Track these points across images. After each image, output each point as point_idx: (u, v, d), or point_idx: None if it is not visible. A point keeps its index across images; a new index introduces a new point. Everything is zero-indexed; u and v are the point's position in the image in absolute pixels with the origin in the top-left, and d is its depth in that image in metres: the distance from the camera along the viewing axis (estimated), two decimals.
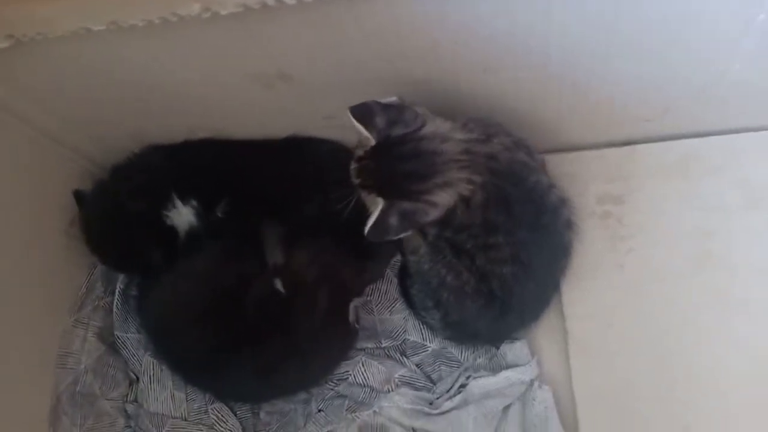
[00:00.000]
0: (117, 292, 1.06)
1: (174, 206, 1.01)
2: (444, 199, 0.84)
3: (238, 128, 1.04)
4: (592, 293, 0.99)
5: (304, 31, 0.80)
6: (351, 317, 0.95)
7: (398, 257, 1.07)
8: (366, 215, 0.88)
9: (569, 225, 0.94)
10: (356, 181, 0.87)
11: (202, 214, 1.02)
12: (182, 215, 1.02)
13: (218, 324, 0.94)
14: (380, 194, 0.84)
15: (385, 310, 1.05)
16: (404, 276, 1.05)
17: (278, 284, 0.94)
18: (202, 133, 1.04)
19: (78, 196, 1.05)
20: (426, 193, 0.84)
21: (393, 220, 0.83)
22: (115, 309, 1.05)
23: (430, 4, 0.76)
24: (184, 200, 1.01)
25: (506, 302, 0.92)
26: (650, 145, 1.04)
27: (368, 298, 1.05)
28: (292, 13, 0.73)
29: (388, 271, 1.07)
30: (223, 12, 0.72)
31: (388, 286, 1.07)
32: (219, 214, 1.02)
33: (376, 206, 0.83)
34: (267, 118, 1.01)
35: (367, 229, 0.83)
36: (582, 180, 1.03)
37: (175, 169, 1.02)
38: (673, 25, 0.79)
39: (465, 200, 0.85)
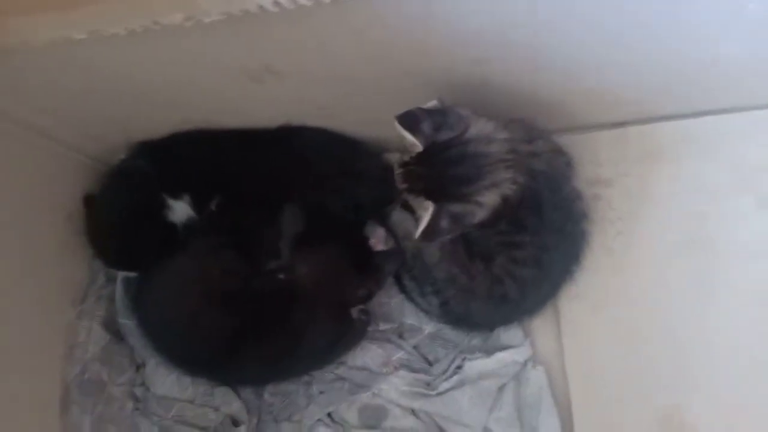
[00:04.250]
0: (119, 280, 1.08)
1: (166, 205, 1.03)
2: (491, 199, 0.86)
3: (231, 120, 1.04)
4: (582, 274, 1.00)
5: (290, 31, 0.80)
6: (355, 314, 0.97)
7: (392, 241, 1.09)
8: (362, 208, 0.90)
9: (585, 236, 0.97)
10: (403, 185, 0.88)
11: (197, 207, 1.03)
12: (177, 211, 1.03)
13: (216, 318, 0.96)
14: (429, 198, 0.85)
15: (383, 293, 1.07)
16: None
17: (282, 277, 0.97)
18: (194, 124, 1.04)
19: (88, 200, 1.07)
20: (474, 195, 0.85)
21: (444, 223, 0.84)
22: (117, 296, 1.07)
23: (415, 2, 0.76)
24: (177, 196, 1.03)
25: (519, 304, 0.96)
26: (640, 127, 1.05)
27: None
28: (276, 16, 0.72)
29: None
30: (207, 20, 0.72)
31: None
32: (213, 208, 1.03)
33: (425, 210, 0.84)
34: (259, 109, 1.01)
35: (418, 232, 0.85)
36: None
37: (165, 166, 1.03)
38: (661, 12, 0.78)
39: (505, 199, 0.87)
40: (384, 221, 1.11)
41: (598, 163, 1.05)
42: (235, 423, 1.03)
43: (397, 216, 1.09)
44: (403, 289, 1.07)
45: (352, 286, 0.99)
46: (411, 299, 1.06)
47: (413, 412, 1.01)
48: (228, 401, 1.04)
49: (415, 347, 1.05)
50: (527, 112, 0.97)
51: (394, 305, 1.07)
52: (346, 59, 0.87)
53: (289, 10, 0.71)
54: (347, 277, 0.99)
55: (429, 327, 1.05)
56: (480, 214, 0.86)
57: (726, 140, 1.01)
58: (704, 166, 1.01)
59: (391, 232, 1.10)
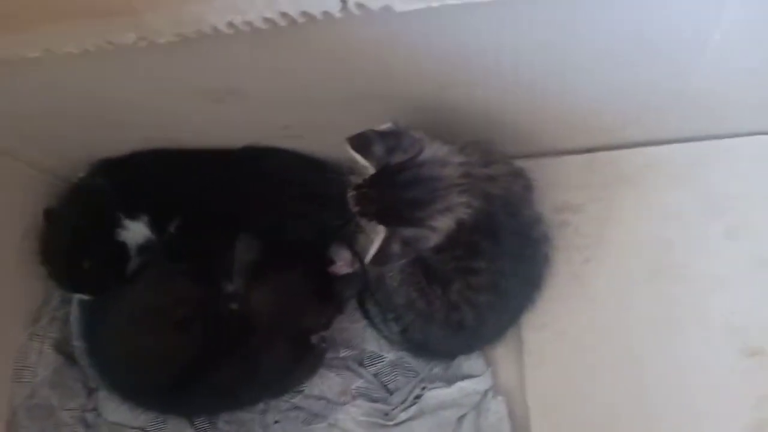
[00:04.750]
0: (74, 301, 1.05)
1: (121, 225, 1.00)
2: (444, 223, 0.83)
3: (193, 140, 1.02)
4: (547, 303, 0.98)
5: (249, 52, 0.78)
6: (314, 341, 0.95)
7: (358, 264, 1.07)
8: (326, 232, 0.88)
9: (546, 260, 0.96)
10: (355, 209, 0.85)
11: (156, 228, 1.01)
12: (132, 233, 1.01)
13: (168, 348, 0.93)
14: (381, 222, 0.83)
15: (345, 318, 1.05)
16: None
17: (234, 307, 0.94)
18: (157, 144, 1.02)
19: (48, 214, 1.03)
20: (427, 219, 0.83)
21: (395, 248, 0.82)
22: (72, 318, 1.04)
23: (379, 28, 0.74)
24: (135, 216, 1.00)
25: (477, 331, 0.93)
26: (610, 153, 1.03)
27: None
28: (233, 38, 0.71)
29: None
30: (161, 41, 0.70)
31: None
32: (172, 230, 1.01)
33: (377, 234, 0.83)
34: (221, 129, 0.99)
35: (369, 257, 0.83)
36: (539, 188, 1.00)
37: (123, 186, 1.01)
38: (628, 42, 0.77)
39: (460, 223, 0.84)
40: (350, 243, 1.09)
41: (566, 189, 1.03)
42: None
43: (364, 239, 1.07)
44: (366, 315, 1.04)
45: (311, 314, 0.97)
46: (373, 325, 1.04)
47: None
48: (181, 429, 1.01)
49: (375, 375, 1.03)
50: (494, 137, 0.96)
51: (355, 331, 1.05)
52: (308, 81, 0.85)
53: (245, 33, 0.69)
54: (305, 305, 0.96)
55: (390, 355, 1.03)
56: (433, 239, 0.83)
57: (695, 168, 1.00)
58: (673, 194, 1.00)
59: (357, 254, 1.09)
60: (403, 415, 0.97)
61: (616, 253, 1.00)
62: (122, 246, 1.01)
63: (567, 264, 1.00)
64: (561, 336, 0.98)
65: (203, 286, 0.96)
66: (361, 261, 1.07)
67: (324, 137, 1.00)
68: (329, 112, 0.92)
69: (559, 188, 1.03)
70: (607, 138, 1.02)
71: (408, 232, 0.82)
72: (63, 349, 1.05)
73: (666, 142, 1.02)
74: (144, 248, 1.02)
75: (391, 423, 0.97)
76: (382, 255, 0.82)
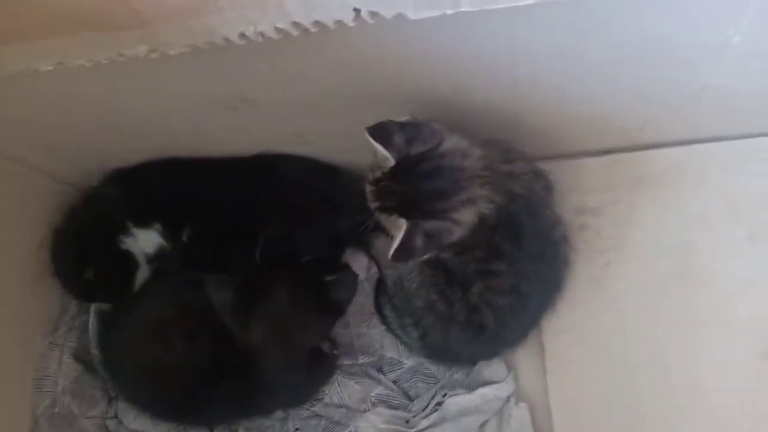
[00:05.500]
0: (92, 310, 1.05)
1: (131, 234, 1.00)
2: (467, 216, 0.81)
3: (207, 148, 1.01)
4: (568, 307, 0.97)
5: (263, 61, 0.78)
6: (326, 348, 0.94)
7: (375, 269, 1.06)
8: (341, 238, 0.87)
9: (566, 262, 0.94)
10: (375, 204, 0.83)
11: (168, 236, 1.00)
12: (143, 241, 1.01)
13: (182, 359, 0.92)
14: (403, 215, 0.80)
15: (363, 324, 1.05)
16: (380, 291, 1.04)
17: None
18: (170, 152, 1.02)
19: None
20: (450, 211, 0.81)
21: (418, 241, 0.80)
22: (90, 327, 1.04)
23: (393, 35, 0.73)
24: (147, 225, 1.00)
25: (498, 334, 0.92)
26: (630, 155, 1.02)
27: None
28: (245, 48, 0.70)
29: (365, 283, 1.06)
30: (172, 52, 0.69)
31: (365, 298, 1.05)
32: (184, 239, 1.01)
33: (399, 228, 0.80)
34: (234, 137, 0.98)
35: (391, 252, 0.80)
36: (559, 191, 0.99)
37: (135, 194, 1.01)
38: (648, 43, 0.76)
39: (482, 219, 0.83)
40: (366, 249, 1.08)
41: (586, 191, 1.01)
42: None
43: (380, 244, 1.06)
44: (383, 321, 1.03)
45: (312, 329, 0.94)
46: (391, 331, 1.03)
47: None
48: None
49: (395, 382, 1.02)
50: (511, 138, 0.95)
51: (373, 337, 1.04)
52: (321, 88, 0.85)
53: (258, 43, 0.68)
54: (305, 322, 0.93)
55: (409, 361, 1.02)
56: (456, 233, 0.81)
57: (716, 169, 0.98)
58: (695, 196, 0.98)
59: (373, 259, 1.08)
60: (425, 422, 0.96)
61: (638, 256, 0.98)
62: (129, 255, 1.00)
63: (588, 267, 0.98)
64: (583, 340, 0.97)
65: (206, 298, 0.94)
66: (378, 266, 1.07)
67: (337, 144, 1.00)
68: (342, 118, 0.91)
69: (579, 191, 1.01)
70: (626, 139, 1.01)
71: (430, 224, 0.80)
72: (82, 357, 1.05)
73: (687, 143, 1.00)
74: (157, 257, 1.02)
75: (412, 430, 0.96)
76: (404, 249, 0.80)
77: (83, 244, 1.00)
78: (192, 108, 0.89)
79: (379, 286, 1.05)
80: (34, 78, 0.75)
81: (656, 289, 0.96)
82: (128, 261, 1.00)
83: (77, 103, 0.86)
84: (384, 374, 1.02)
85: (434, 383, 1.01)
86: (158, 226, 1.01)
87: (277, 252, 0.93)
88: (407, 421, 0.98)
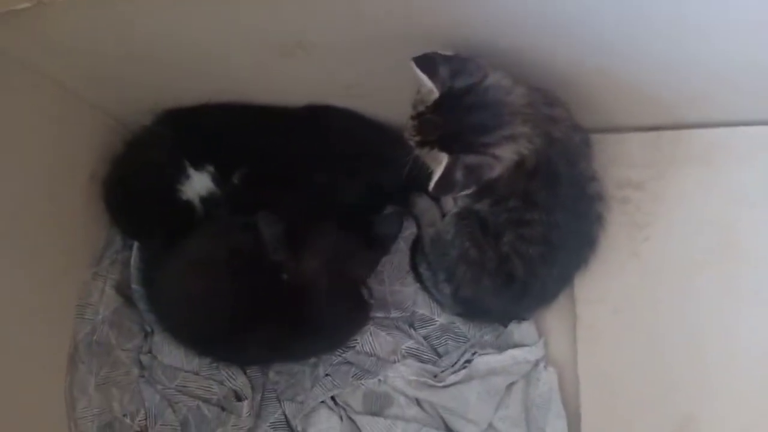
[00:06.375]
0: (135, 246, 1.07)
1: (187, 175, 1.02)
2: (508, 153, 0.83)
3: (259, 94, 1.03)
4: (604, 279, 0.98)
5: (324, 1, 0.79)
6: (365, 295, 0.95)
7: (413, 229, 1.07)
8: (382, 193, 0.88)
9: (600, 220, 0.94)
10: (415, 138, 0.84)
11: (219, 180, 1.02)
12: (197, 182, 1.02)
13: (223, 298, 0.94)
14: (443, 149, 0.81)
15: (396, 281, 1.06)
16: (415, 251, 1.06)
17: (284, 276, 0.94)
18: (223, 97, 1.04)
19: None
20: (492, 146, 0.82)
21: (458, 175, 0.81)
22: (132, 263, 1.06)
23: None
24: (199, 166, 1.02)
25: (527, 285, 0.92)
26: (677, 132, 1.02)
27: (380, 269, 1.06)
28: None
29: (401, 242, 1.07)
30: None
31: (401, 257, 1.07)
32: (235, 182, 1.02)
33: (439, 163, 0.81)
34: (287, 84, 1.00)
35: (432, 185, 0.81)
36: (602, 163, 1.00)
37: (188, 136, 1.02)
38: (702, 14, 0.77)
39: (519, 163, 0.83)
40: (409, 208, 1.09)
41: (629, 166, 1.02)
42: (238, 398, 1.02)
43: (423, 203, 1.07)
44: (419, 279, 1.05)
45: (359, 261, 0.97)
46: (425, 289, 1.04)
47: (418, 402, 0.99)
48: (233, 376, 1.03)
49: (425, 337, 1.03)
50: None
51: (407, 294, 1.05)
52: (379, 30, 0.85)
53: None
54: (353, 255, 0.96)
55: (441, 318, 1.03)
56: (496, 169, 0.82)
57: (761, 151, 0.98)
58: (738, 175, 0.98)
59: (413, 217, 1.08)
60: (453, 378, 0.97)
61: (677, 231, 0.99)
62: (183, 196, 1.02)
63: (627, 241, 0.99)
64: (617, 312, 0.98)
65: (261, 239, 0.96)
66: (418, 225, 1.08)
67: (385, 97, 1.00)
68: (392, 72, 0.92)
69: (623, 164, 1.02)
70: (673, 116, 1.01)
71: (471, 159, 0.81)
72: (123, 290, 1.07)
73: (733, 124, 1.00)
74: (206, 199, 1.03)
75: (439, 384, 0.97)
76: (444, 182, 0.81)
77: (139, 183, 1.02)
78: (249, 50, 0.91)
79: (416, 245, 1.06)
80: (103, 5, 0.77)
81: (695, 265, 0.97)
82: (183, 203, 1.02)
83: (141, 38, 0.88)
84: (415, 329, 1.04)
85: (464, 342, 1.02)
86: (210, 168, 1.02)
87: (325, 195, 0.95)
88: (435, 376, 0.99)
